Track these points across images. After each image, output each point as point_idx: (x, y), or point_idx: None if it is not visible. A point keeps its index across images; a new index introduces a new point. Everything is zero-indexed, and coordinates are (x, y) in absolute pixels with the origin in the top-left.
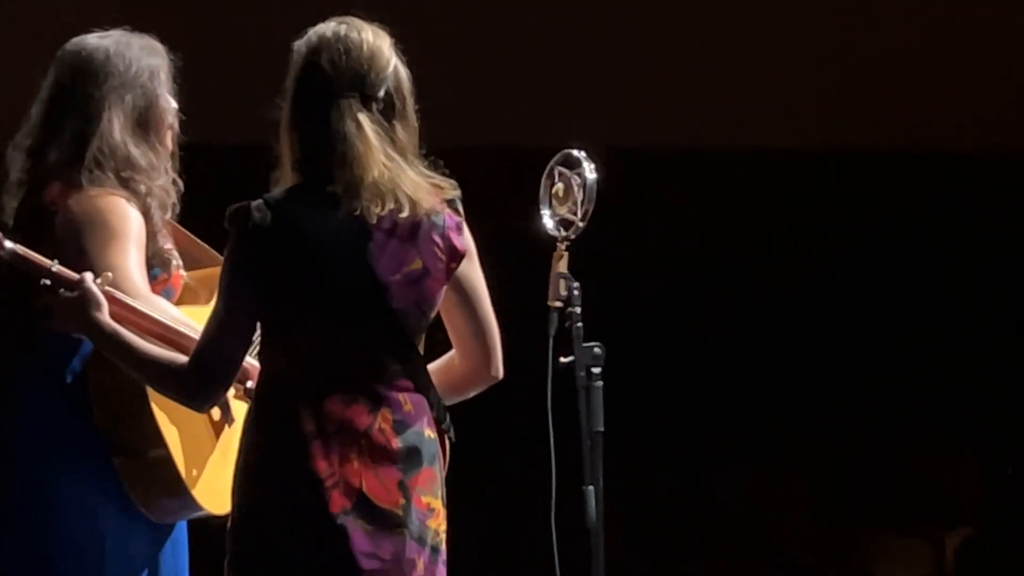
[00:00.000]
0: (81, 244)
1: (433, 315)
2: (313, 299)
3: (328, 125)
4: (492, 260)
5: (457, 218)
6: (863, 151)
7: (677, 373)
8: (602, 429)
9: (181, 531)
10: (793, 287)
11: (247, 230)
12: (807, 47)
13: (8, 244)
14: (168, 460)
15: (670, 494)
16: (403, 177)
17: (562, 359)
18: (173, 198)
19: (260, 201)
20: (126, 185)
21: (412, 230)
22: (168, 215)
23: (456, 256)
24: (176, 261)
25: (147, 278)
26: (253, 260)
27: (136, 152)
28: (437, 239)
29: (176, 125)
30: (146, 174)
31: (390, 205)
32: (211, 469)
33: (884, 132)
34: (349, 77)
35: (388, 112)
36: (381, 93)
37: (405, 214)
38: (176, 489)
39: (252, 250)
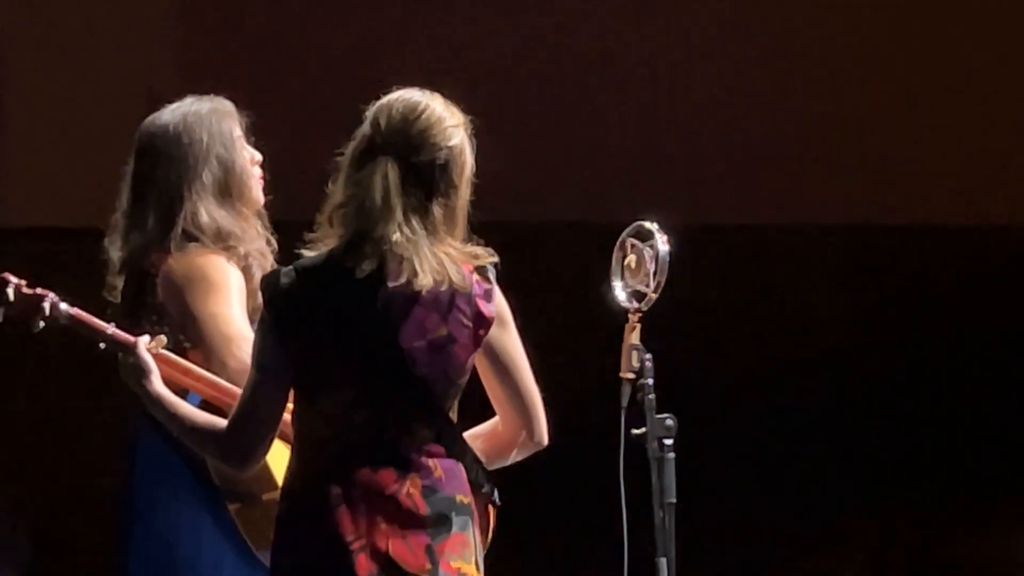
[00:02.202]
0: (183, 299)
1: (464, 381)
2: (337, 365)
3: (361, 174)
4: (565, 332)
5: (487, 285)
6: (928, 227)
7: (744, 447)
8: (674, 500)
9: None
10: (859, 364)
11: (274, 296)
12: (875, 131)
13: (64, 307)
14: None
15: (736, 568)
16: (420, 248)
17: (634, 431)
18: (270, 259)
19: (290, 267)
20: (226, 251)
21: (436, 297)
22: None
23: (483, 323)
24: None
25: (250, 326)
26: (280, 326)
27: (226, 223)
28: (463, 306)
29: (254, 185)
30: (240, 240)
31: (390, 265)
32: None
33: (949, 208)
34: (396, 136)
35: (429, 185)
36: (424, 161)
37: (427, 283)
38: None
39: (279, 316)
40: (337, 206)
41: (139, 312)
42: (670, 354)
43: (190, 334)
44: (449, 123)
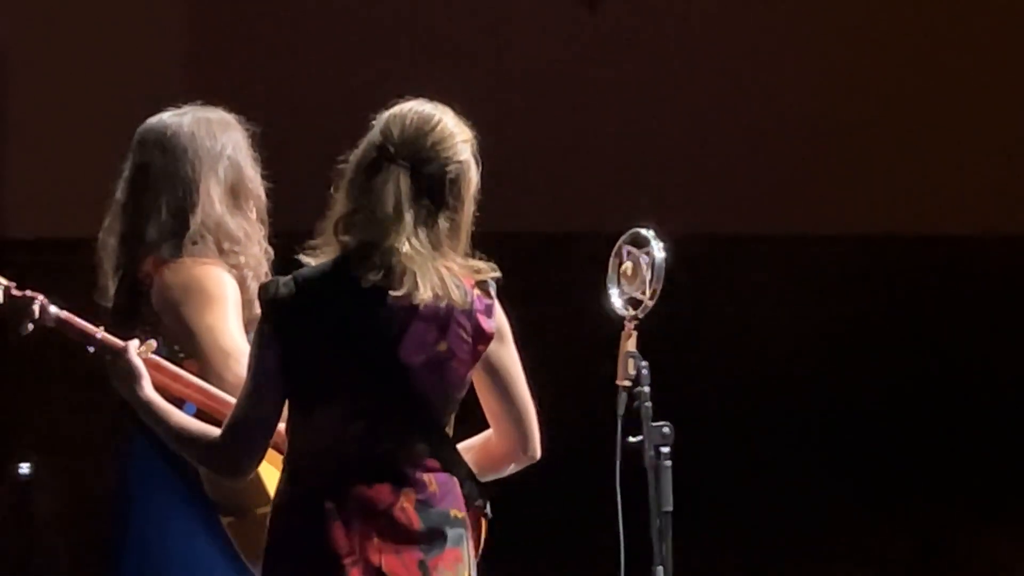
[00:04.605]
0: (179, 311)
1: (462, 395)
2: (335, 377)
3: (371, 183)
4: (562, 339)
5: (487, 300)
6: (916, 237)
7: (742, 454)
8: (671, 509)
9: None
10: (855, 372)
11: (272, 306)
12: (866, 142)
13: (53, 310)
14: None
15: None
16: (424, 261)
17: (631, 438)
18: (265, 267)
19: (289, 277)
20: (224, 256)
21: (437, 312)
22: None
23: (483, 338)
24: None
25: (246, 338)
26: (277, 336)
27: (233, 224)
28: (464, 321)
29: (262, 194)
30: (243, 245)
31: (395, 275)
32: None
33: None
34: (408, 147)
35: (438, 198)
36: (436, 174)
37: (427, 297)
38: None
39: (275, 326)
40: (345, 214)
41: (133, 320)
42: (667, 361)
43: (186, 346)
44: (460, 138)
